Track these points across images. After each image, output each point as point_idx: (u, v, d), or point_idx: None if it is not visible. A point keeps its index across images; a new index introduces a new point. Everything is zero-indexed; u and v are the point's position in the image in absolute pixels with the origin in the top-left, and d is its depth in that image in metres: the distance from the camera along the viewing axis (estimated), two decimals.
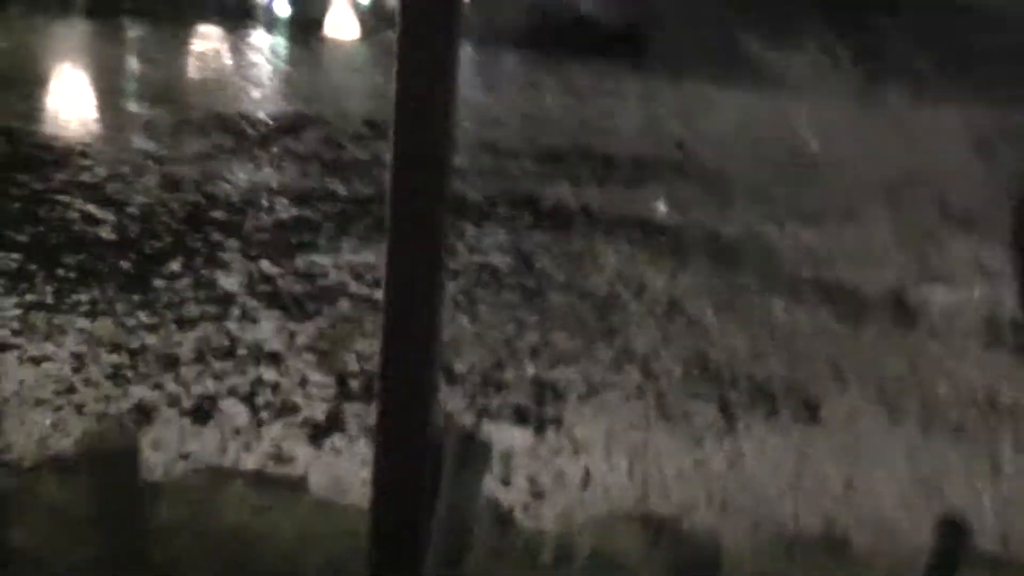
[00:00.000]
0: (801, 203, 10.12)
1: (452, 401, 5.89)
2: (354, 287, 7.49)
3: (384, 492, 3.00)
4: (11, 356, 6.02)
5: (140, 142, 10.79)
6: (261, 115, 12.07)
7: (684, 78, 16.61)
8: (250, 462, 5.26)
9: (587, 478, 5.30)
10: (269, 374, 6.06)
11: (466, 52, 18.18)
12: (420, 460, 2.94)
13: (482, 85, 15.04)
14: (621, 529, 4.90)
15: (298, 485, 5.06)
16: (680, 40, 23.85)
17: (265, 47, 17.95)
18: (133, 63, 15.99)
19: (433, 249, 3.02)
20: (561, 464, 5.40)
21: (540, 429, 5.67)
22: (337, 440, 5.52)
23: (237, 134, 11.16)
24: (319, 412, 5.75)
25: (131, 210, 8.69)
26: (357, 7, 24.68)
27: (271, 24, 20.75)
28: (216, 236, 8.22)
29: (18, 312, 6.61)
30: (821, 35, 24.72)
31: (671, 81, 16.09)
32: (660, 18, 28.59)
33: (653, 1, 32.41)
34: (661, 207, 9.92)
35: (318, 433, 5.57)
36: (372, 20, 22.98)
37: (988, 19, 29.62)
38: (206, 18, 21.36)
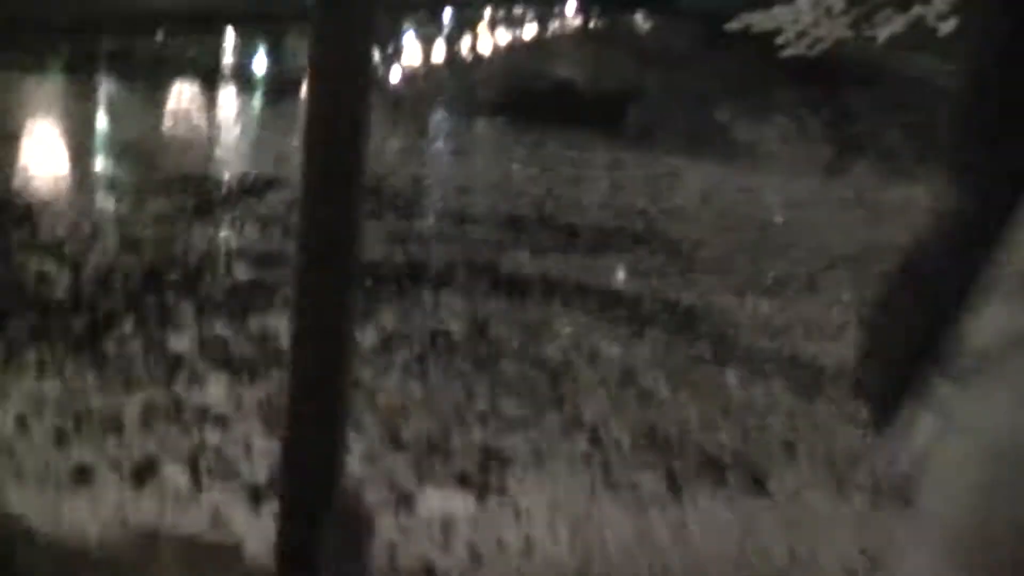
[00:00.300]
0: (762, 274, 10.14)
1: (396, 466, 5.82)
2: None
3: (286, 561, 2.96)
4: None
5: (102, 201, 10.80)
6: (226, 176, 12.10)
7: (654, 148, 16.73)
8: (188, 526, 5.18)
9: (528, 546, 5.24)
10: (213, 437, 5.99)
11: (440, 121, 18.34)
12: (322, 530, 2.89)
13: (451, 153, 15.14)
14: None
15: (234, 551, 4.98)
16: (654, 110, 24.07)
17: (237, 107, 18.06)
18: (103, 121, 16.05)
19: (339, 326, 2.98)
20: (502, 531, 5.33)
21: (483, 496, 5.61)
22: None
23: (200, 195, 11.16)
24: (261, 476, 5.67)
25: (87, 271, 8.64)
26: None
27: (246, 83, 20.88)
28: (170, 298, 8.17)
29: None
30: (794, 107, 25.00)
31: (640, 151, 16.20)
32: (639, 87, 28.91)
33: (633, 71, 32.79)
34: (620, 277, 9.94)
35: (258, 497, 5.48)
36: None
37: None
38: (182, 76, 21.49)
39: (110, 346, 7.20)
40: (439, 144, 15.87)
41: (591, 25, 64.70)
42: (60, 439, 5.86)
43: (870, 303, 1.45)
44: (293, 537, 3.02)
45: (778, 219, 12.64)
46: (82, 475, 5.51)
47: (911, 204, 13.96)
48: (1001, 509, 0.58)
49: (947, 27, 19.08)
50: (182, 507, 5.34)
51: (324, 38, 2.85)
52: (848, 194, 14.41)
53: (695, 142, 18.26)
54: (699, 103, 26.19)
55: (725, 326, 8.59)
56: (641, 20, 70.17)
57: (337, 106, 2.78)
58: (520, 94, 24.62)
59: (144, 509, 5.27)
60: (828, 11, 20.85)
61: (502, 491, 5.73)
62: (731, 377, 7.51)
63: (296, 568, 2.95)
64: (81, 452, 5.75)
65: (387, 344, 7.63)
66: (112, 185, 11.49)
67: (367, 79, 2.87)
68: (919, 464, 0.65)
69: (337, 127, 2.79)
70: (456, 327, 8.14)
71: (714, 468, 6.13)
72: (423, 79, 27.27)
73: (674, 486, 5.88)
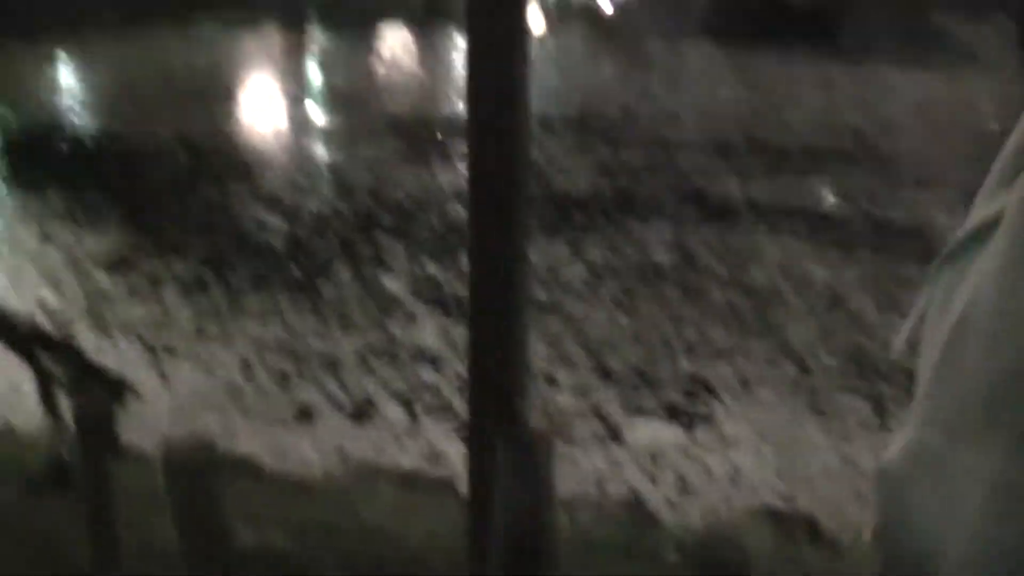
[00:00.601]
0: (976, 186, 9.83)
1: (605, 398, 5.96)
2: None
3: (476, 491, 3.12)
4: (184, 361, 6.33)
5: (317, 150, 11.17)
6: (436, 118, 12.33)
7: (866, 61, 16.28)
8: (405, 462, 5.42)
9: (735, 475, 5.32)
10: (428, 376, 6.23)
11: (648, 45, 18.21)
12: (498, 452, 3.01)
13: (661, 79, 15.04)
14: (762, 526, 4.91)
15: (447, 485, 5.21)
16: (868, 17, 23.35)
17: (445, 45, 18.26)
18: (315, 71, 16.49)
19: (514, 259, 3.07)
20: (709, 460, 5.43)
21: (690, 426, 5.70)
22: None
23: (411, 138, 11.42)
24: None
25: (303, 218, 9.00)
26: (542, 1, 24.90)
27: (453, 20, 21.06)
28: (384, 240, 8.45)
29: (192, 318, 6.95)
30: (1013, 6, 23.90)
31: (852, 65, 15.79)
32: None
33: None
34: (829, 198, 9.81)
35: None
36: (556, 14, 23.15)
37: None
38: (391, 18, 21.83)
39: (328, 290, 7.52)
40: (647, 70, 15.76)
41: None
42: (283, 380, 6.16)
43: None
44: (475, 461, 3.18)
45: (994, 126, 12.21)
46: (304, 414, 5.80)
47: None
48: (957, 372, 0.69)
49: None
50: (400, 444, 5.58)
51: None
52: None
53: (910, 50, 17.69)
54: (915, 5, 25.30)
55: (936, 244, 8.42)
56: None
57: (498, 51, 2.88)
58: (728, 11, 24.20)
59: (364, 446, 5.52)
60: None
61: (709, 420, 5.81)
62: None
63: (479, 490, 3.11)
64: (303, 393, 6.04)
65: (597, 277, 7.75)
66: (325, 134, 11.85)
67: (524, 27, 2.96)
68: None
69: (499, 71, 2.89)
70: (664, 257, 8.20)
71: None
72: (627, 4, 27.02)
73: (882, 412, 5.87)
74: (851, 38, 19.72)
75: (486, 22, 3.03)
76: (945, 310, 0.71)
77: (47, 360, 4.56)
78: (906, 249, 8.28)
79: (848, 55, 16.72)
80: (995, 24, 21.14)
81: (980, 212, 0.74)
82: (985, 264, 0.69)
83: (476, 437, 3.24)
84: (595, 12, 24.57)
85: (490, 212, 3.05)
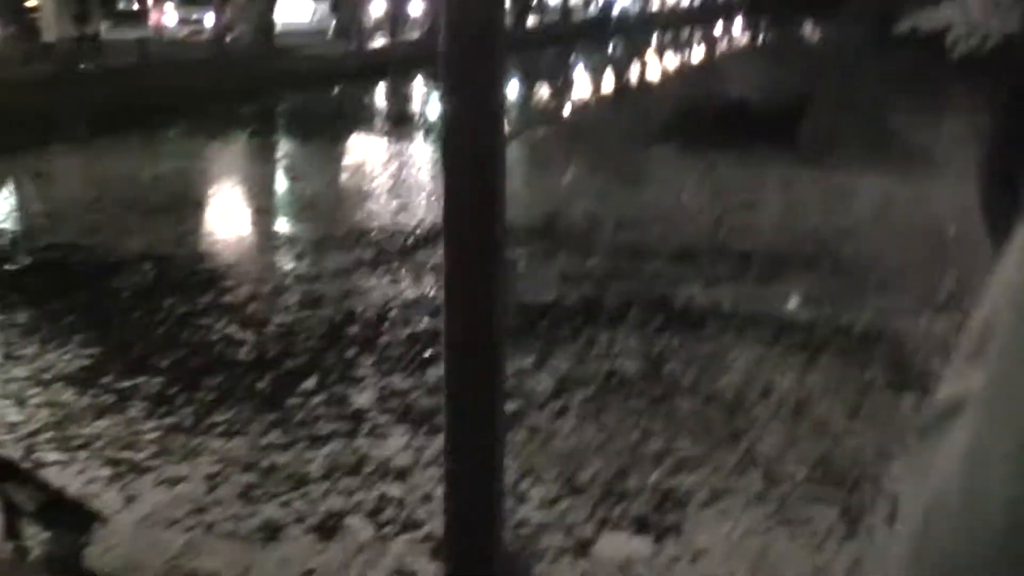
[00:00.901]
0: (937, 289, 9.93)
1: (573, 511, 5.92)
2: None
3: None
4: (148, 478, 6.26)
5: (283, 261, 11.19)
6: (402, 227, 12.39)
7: (827, 163, 16.50)
8: None
9: None
10: (396, 490, 6.18)
11: (612, 152, 18.40)
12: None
13: (624, 184, 15.15)
14: None
15: None
16: (826, 122, 23.73)
17: (412, 155, 18.43)
18: (282, 180, 16.59)
19: (491, 372, 3.06)
20: (679, 572, 5.39)
21: (659, 538, 5.66)
22: None
23: (378, 248, 11.47)
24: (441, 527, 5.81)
25: (270, 330, 8.99)
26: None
27: (420, 130, 21.28)
28: (351, 352, 8.44)
29: (157, 435, 6.89)
30: (968, 108, 24.34)
31: (813, 168, 15.99)
32: (810, 99, 28.55)
33: (804, 82, 32.37)
34: (793, 303, 9.86)
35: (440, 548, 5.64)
36: (518, 119, 23.41)
37: None
38: (357, 129, 22.06)
39: (294, 403, 7.47)
40: (611, 176, 15.90)
41: (759, 40, 64.07)
42: (248, 496, 6.10)
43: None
44: None
45: (953, 230, 12.34)
46: (270, 531, 5.73)
47: None
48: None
49: None
50: (368, 560, 5.51)
51: (456, 86, 2.94)
52: None
53: (868, 153, 17.93)
54: (871, 110, 25.73)
55: (900, 349, 8.47)
56: (809, 29, 69.23)
57: (474, 149, 2.88)
58: (691, 118, 24.55)
59: (330, 563, 5.45)
60: (997, 5, 20.40)
61: (678, 531, 5.77)
62: (907, 403, 7.39)
63: None
64: (269, 509, 5.97)
65: (563, 387, 7.73)
66: (291, 244, 11.89)
67: (500, 124, 2.96)
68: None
69: (475, 167, 2.88)
70: (630, 366, 8.20)
71: (892, 502, 6.06)
72: (594, 109, 27.40)
73: (851, 521, 5.85)
74: (811, 142, 20.02)
75: (464, 134, 3.03)
76: (919, 488, 0.70)
77: (12, 491, 4.49)
78: (871, 354, 8.32)
79: (808, 159, 16.93)
80: (948, 128, 21.51)
81: (949, 387, 0.73)
82: (952, 445, 0.68)
83: (452, 556, 3.20)
84: (558, 116, 24.88)
85: (466, 325, 3.04)
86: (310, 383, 7.81)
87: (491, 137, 3.00)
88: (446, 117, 3.04)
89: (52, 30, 25.58)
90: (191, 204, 14.13)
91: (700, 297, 9.82)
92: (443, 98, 3.00)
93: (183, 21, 36.22)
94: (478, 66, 2.87)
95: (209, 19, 30.78)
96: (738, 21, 78.06)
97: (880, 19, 37.25)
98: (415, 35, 43.62)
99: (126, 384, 7.81)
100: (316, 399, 7.52)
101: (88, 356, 8.42)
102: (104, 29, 28.62)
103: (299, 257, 11.26)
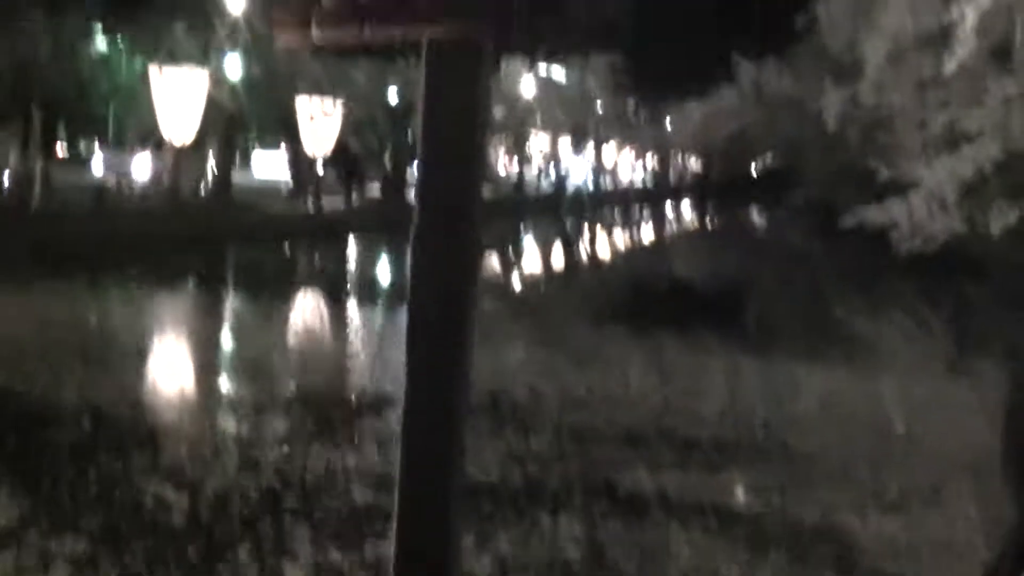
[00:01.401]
0: (885, 487, 9.80)
1: None
2: None
3: None
4: None
5: (223, 421, 10.93)
6: (347, 393, 12.19)
7: (773, 350, 16.54)
8: None
9: None
10: None
11: (559, 328, 18.38)
12: None
13: (570, 363, 15.07)
14: None
15: None
16: (773, 308, 23.94)
17: (362, 318, 18.30)
18: (228, 336, 16.37)
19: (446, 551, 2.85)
20: None
21: None
22: None
23: (320, 414, 11.24)
24: None
25: (205, 494, 8.70)
26: None
27: (370, 293, 21.21)
28: (288, 522, 8.16)
29: None
30: (913, 302, 24.65)
31: (759, 354, 16.00)
32: (757, 284, 28.86)
33: (751, 267, 32.78)
34: (740, 494, 9.70)
35: None
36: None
37: None
38: (306, 286, 21.97)
39: (225, 573, 7.17)
40: (558, 353, 15.84)
41: (707, 223, 65.08)
42: None
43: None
44: None
45: (899, 425, 12.30)
46: None
47: None
48: None
49: None
50: None
51: (426, 258, 2.77)
52: (972, 396, 14.00)
53: (814, 343, 18.04)
54: (817, 299, 26.00)
55: (848, 548, 8.28)
56: (756, 215, 70.59)
57: (442, 312, 2.70)
58: (639, 298, 24.69)
59: None
60: (942, 205, 20.76)
61: None
62: None
63: None
64: None
65: (504, 571, 7.49)
66: (233, 405, 11.65)
67: (472, 296, 2.78)
68: None
69: (442, 339, 2.71)
70: (574, 551, 7.96)
71: None
72: (543, 284, 27.49)
73: None
74: (755, 329, 20.13)
75: (429, 303, 2.85)
76: None
77: None
78: (819, 553, 8.13)
79: (754, 347, 16.96)
80: (893, 321, 21.72)
81: None
82: None
83: None
84: (507, 290, 24.94)
85: (421, 500, 2.82)
86: (243, 553, 7.51)
87: (461, 312, 2.84)
88: (413, 291, 2.87)
89: None
90: (134, 355, 13.88)
91: (646, 482, 9.62)
92: (412, 270, 2.83)
93: (110, 168, 35.75)
94: (450, 238, 2.72)
95: (137, 167, 30.36)
96: (686, 203, 79.48)
97: (826, 210, 37.97)
98: (373, 194, 44.01)
99: (52, 544, 7.48)
100: (248, 571, 7.22)
101: (13, 512, 8.09)
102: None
103: (240, 419, 11.01)
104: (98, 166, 36.85)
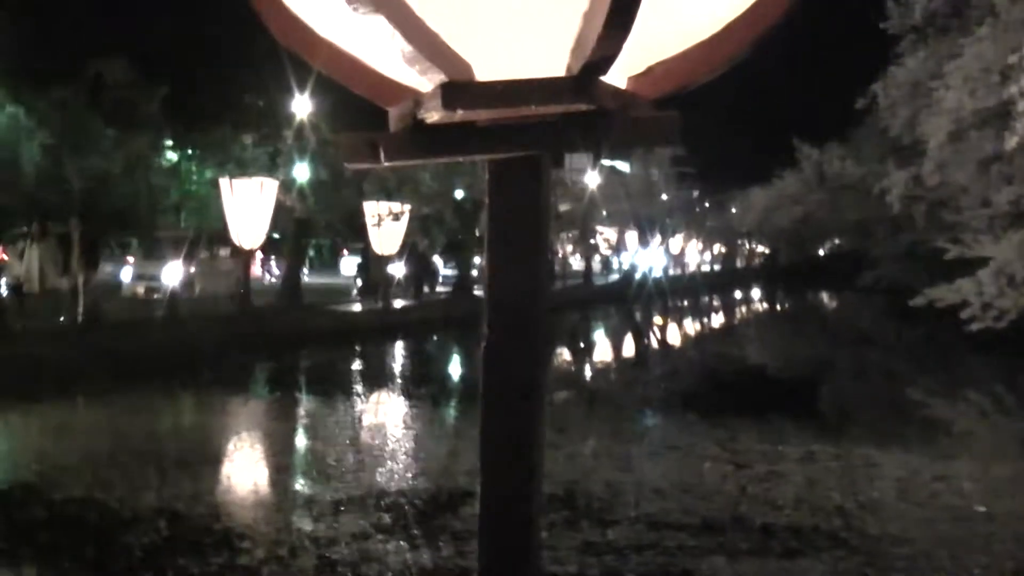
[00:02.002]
0: (965, 570, 9.68)
1: None
2: None
3: None
4: None
5: (300, 522, 11.00)
6: (421, 491, 12.23)
7: (847, 436, 16.40)
8: None
9: None
10: None
11: (633, 418, 18.35)
12: None
13: (645, 453, 15.07)
14: None
15: None
16: (846, 393, 23.74)
17: (431, 417, 18.39)
18: (302, 438, 16.50)
19: None
20: None
21: None
22: None
23: (396, 511, 11.30)
24: None
25: None
26: None
27: (445, 390, 21.32)
28: None
29: None
30: (988, 381, 24.37)
31: (834, 440, 15.87)
32: (829, 368, 28.65)
33: (822, 351, 32.56)
34: None
35: None
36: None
37: None
38: (378, 389, 22.12)
39: None
40: (632, 443, 15.84)
41: (777, 307, 64.75)
42: None
43: None
44: None
45: (979, 508, 12.14)
46: None
47: None
48: None
49: None
50: None
51: (496, 360, 2.85)
52: None
53: (889, 426, 17.89)
54: (890, 382, 25.78)
55: None
56: (827, 298, 70.21)
57: (511, 426, 2.77)
58: (711, 385, 24.61)
59: None
60: (1011, 281, 20.58)
61: None
62: None
63: None
64: None
65: None
66: (308, 504, 11.73)
67: (541, 392, 2.86)
68: None
69: (512, 441, 2.78)
70: None
71: None
72: (615, 374, 27.48)
73: None
74: (829, 414, 19.98)
75: (502, 410, 2.93)
76: None
77: None
78: None
79: (829, 432, 16.85)
80: (968, 401, 21.46)
81: None
82: None
83: None
84: (579, 381, 24.96)
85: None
86: None
87: (530, 415, 2.92)
88: (486, 388, 2.95)
89: (34, 282, 25.74)
90: (209, 460, 14.06)
91: (723, 571, 9.58)
92: (484, 368, 2.92)
93: (139, 277, 35.74)
94: (519, 339, 2.81)
95: (167, 276, 30.60)
96: (756, 289, 79.18)
97: (896, 291, 37.74)
98: (442, 293, 44.35)
99: None
100: None
101: None
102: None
103: (316, 519, 11.08)
104: (127, 275, 36.88)
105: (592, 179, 56.00)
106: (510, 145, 2.42)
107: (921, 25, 31.38)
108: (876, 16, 31.55)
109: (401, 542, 10.28)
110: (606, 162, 65.16)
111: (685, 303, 58.69)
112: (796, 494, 12.49)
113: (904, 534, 10.82)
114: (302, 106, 31.87)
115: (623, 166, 71.03)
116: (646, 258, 67.10)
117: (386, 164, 2.35)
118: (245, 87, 33.48)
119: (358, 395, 20.93)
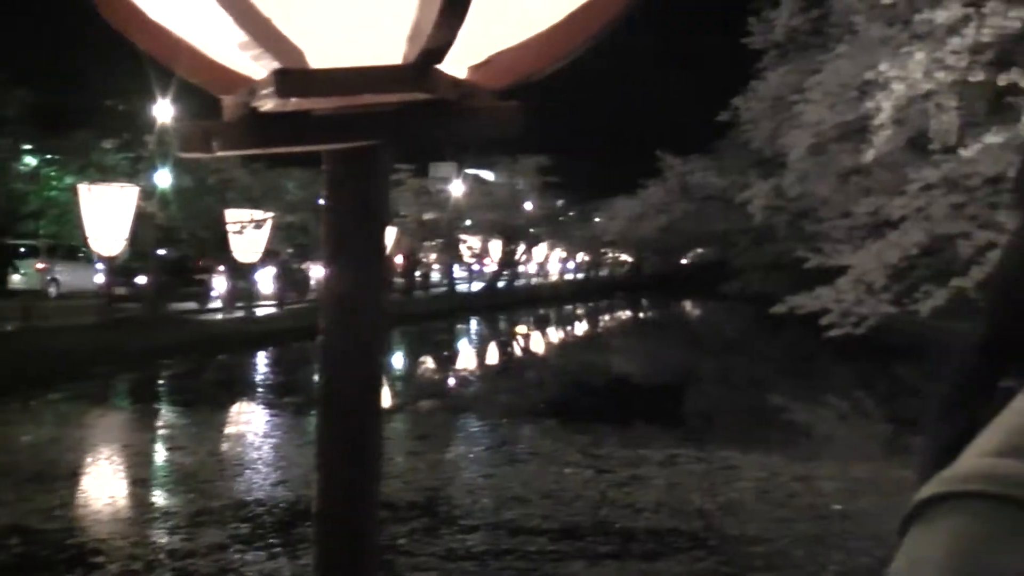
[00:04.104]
0: (822, 568, 9.88)
1: None
2: None
3: None
4: None
5: (157, 535, 10.80)
6: (281, 500, 12.11)
7: (709, 440, 16.63)
8: None
9: None
10: None
11: (494, 426, 18.38)
12: None
13: (506, 460, 15.09)
14: None
15: None
16: (708, 398, 24.08)
17: (294, 426, 18.19)
18: (161, 450, 16.21)
19: None
20: None
21: None
22: None
23: (256, 522, 11.16)
24: None
25: None
26: (390, 376, 25.21)
27: (302, 401, 21.12)
28: None
29: None
30: (847, 385, 24.95)
31: (696, 444, 16.09)
32: (692, 375, 29.03)
33: (686, 359, 32.98)
34: None
35: None
36: (402, 392, 23.39)
37: None
38: (241, 399, 21.84)
39: None
40: (495, 450, 15.87)
41: (641, 315, 65.47)
42: None
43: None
44: None
45: (836, 507, 12.40)
46: None
47: None
48: None
49: None
50: None
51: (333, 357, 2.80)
52: (909, 474, 14.15)
53: (750, 430, 18.18)
54: (753, 387, 26.23)
55: None
56: (691, 307, 71.24)
57: (352, 439, 2.73)
58: (575, 393, 24.77)
59: None
60: (869, 289, 21.10)
61: None
62: None
63: None
64: None
65: None
66: (166, 517, 11.53)
67: (378, 389, 2.82)
68: None
69: (351, 443, 2.73)
70: None
71: None
72: (478, 382, 27.51)
73: None
74: (691, 419, 20.25)
75: (341, 409, 2.88)
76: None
77: None
78: None
79: (691, 436, 17.07)
80: (828, 405, 21.94)
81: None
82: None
83: None
84: (442, 389, 24.94)
85: None
86: None
87: (368, 414, 2.88)
88: (322, 392, 2.90)
89: None
90: (65, 474, 13.71)
91: (583, 575, 9.64)
92: (321, 369, 2.86)
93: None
94: (355, 338, 2.78)
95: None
96: (620, 298, 79.94)
97: (759, 300, 38.45)
98: (312, 301, 43.94)
99: None
100: None
101: None
102: None
103: (173, 531, 10.89)
104: None
105: (456, 188, 56.12)
106: (347, 135, 2.39)
107: (782, 41, 32.12)
108: (738, 32, 32.21)
109: (259, 552, 10.16)
110: (471, 171, 65.32)
111: (550, 312, 59.01)
112: (657, 497, 12.62)
113: (763, 533, 11.01)
114: (164, 111, 31.32)
115: (488, 175, 71.28)
116: (511, 267, 67.37)
117: (219, 153, 2.30)
118: (107, 91, 32.90)
119: (221, 406, 20.62)
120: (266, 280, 41.10)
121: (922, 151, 20.88)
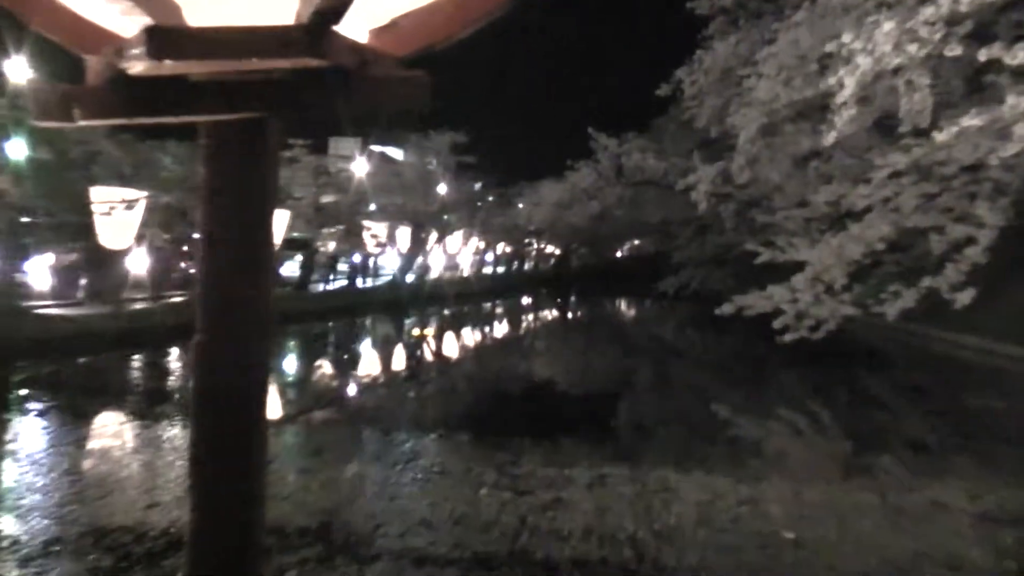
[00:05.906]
0: None
1: None
2: None
3: None
4: None
5: (2, 570, 10.66)
6: (151, 527, 11.99)
7: (644, 458, 16.69)
8: None
9: None
10: None
11: (400, 441, 18.33)
12: None
13: (412, 480, 15.05)
14: None
15: None
16: (643, 411, 24.15)
17: (167, 439, 18.01)
18: (9, 469, 15.97)
19: None
20: None
21: None
22: None
23: (120, 552, 11.05)
24: None
25: None
26: (279, 382, 25.08)
27: (178, 410, 20.89)
28: None
29: None
30: (802, 396, 25.17)
31: (629, 463, 16.14)
32: (626, 383, 29.12)
33: (619, 365, 33.07)
34: None
35: None
36: (296, 401, 23.26)
37: (985, 378, 30.28)
38: (107, 407, 21.56)
39: None
40: (399, 469, 15.82)
41: (569, 315, 65.62)
42: None
43: None
44: None
45: (787, 534, 12.52)
46: None
47: (943, 506, 13.90)
48: None
49: (965, 298, 19.35)
50: None
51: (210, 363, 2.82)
52: (869, 497, 14.34)
53: (691, 446, 18.29)
54: (694, 398, 26.36)
55: None
56: (625, 306, 71.58)
57: (231, 450, 2.74)
58: (492, 404, 24.76)
59: None
60: (828, 288, 21.24)
61: None
62: None
63: None
64: None
65: None
66: (15, 546, 11.38)
67: (263, 394, 2.83)
68: None
69: (229, 474, 2.75)
70: None
71: None
72: (382, 390, 27.42)
73: None
74: (624, 435, 20.31)
75: (219, 420, 2.89)
76: None
77: None
78: None
79: (624, 453, 17.12)
80: (780, 418, 22.10)
81: None
82: None
83: None
84: (342, 397, 24.83)
85: None
86: None
87: (248, 419, 2.89)
88: (195, 396, 2.91)
89: None
90: None
91: None
92: (195, 371, 2.87)
93: None
94: (236, 335, 2.77)
95: None
96: (546, 295, 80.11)
97: (701, 298, 38.68)
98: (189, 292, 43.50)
99: None
100: None
101: None
102: None
103: (22, 564, 10.75)
104: None
105: (360, 167, 55.81)
106: (229, 105, 2.37)
107: (732, 7, 32.30)
108: None
109: None
110: (376, 148, 65.02)
111: (465, 310, 59.00)
112: (584, 523, 12.66)
113: (703, 563, 11.10)
114: (18, 70, 30.69)
115: (396, 153, 71.08)
116: (420, 258, 67.24)
117: (80, 123, 2.26)
118: None
119: (84, 415, 20.36)
120: (139, 269, 40.57)
121: (890, 134, 21.08)
